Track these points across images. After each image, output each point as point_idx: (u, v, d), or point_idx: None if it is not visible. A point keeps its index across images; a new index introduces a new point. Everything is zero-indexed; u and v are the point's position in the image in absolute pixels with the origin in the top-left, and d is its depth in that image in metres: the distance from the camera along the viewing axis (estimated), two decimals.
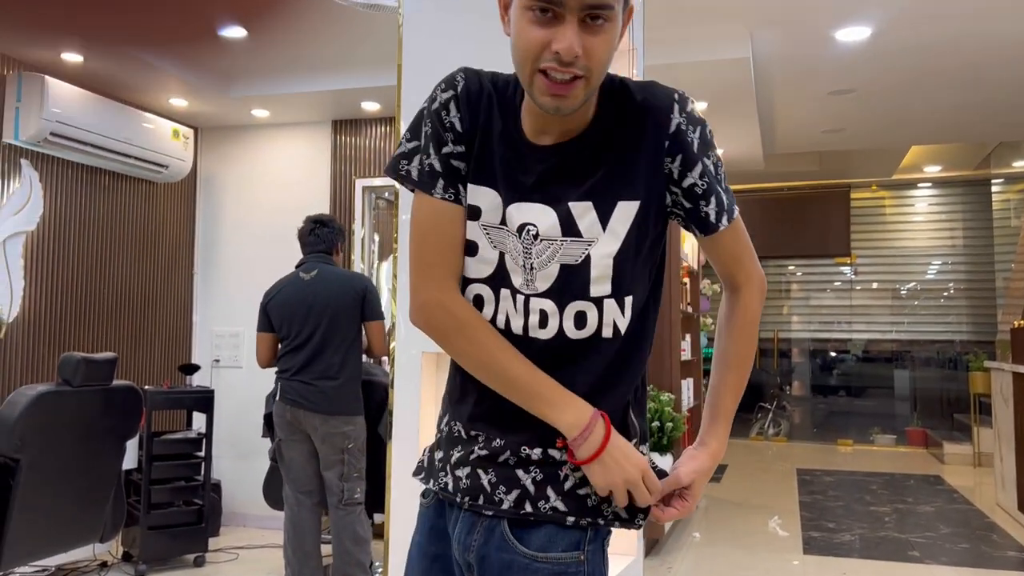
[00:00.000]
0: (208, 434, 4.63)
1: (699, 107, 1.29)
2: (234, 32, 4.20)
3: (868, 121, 6.31)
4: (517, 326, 1.19)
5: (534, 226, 1.17)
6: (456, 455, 1.23)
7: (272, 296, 3.79)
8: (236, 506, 5.43)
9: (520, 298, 1.18)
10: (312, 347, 3.67)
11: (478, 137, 1.21)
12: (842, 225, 9.76)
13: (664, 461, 4.27)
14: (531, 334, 1.18)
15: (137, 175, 5.10)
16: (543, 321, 1.18)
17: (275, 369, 3.79)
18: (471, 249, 1.22)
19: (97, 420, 3.58)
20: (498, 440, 1.19)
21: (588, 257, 1.16)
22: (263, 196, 5.63)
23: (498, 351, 1.17)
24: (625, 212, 1.16)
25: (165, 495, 4.47)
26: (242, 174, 5.70)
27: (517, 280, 1.19)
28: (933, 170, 9.40)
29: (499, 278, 1.20)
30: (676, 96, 1.18)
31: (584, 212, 1.16)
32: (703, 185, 1.19)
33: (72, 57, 4.39)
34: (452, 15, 2.18)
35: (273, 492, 4.26)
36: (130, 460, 4.26)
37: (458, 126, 1.21)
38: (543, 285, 1.17)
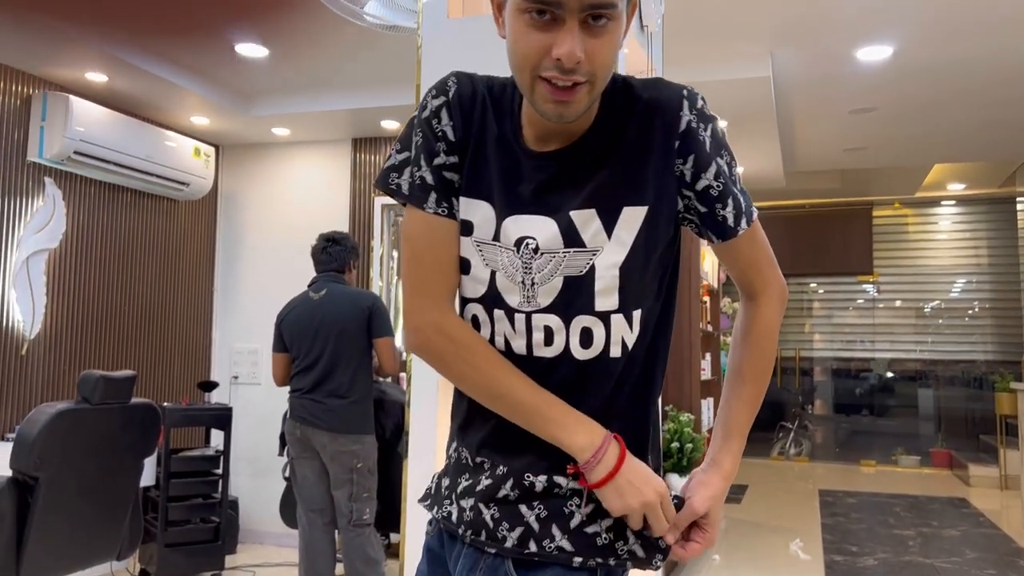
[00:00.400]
0: (226, 451, 4.64)
1: (719, 125, 1.22)
2: (255, 51, 4.25)
3: (890, 139, 6.25)
4: (519, 346, 1.12)
5: (533, 239, 1.09)
6: (463, 484, 1.17)
7: (284, 316, 3.80)
8: (253, 524, 5.42)
9: (519, 317, 1.11)
10: (322, 366, 3.66)
11: (471, 146, 1.13)
12: (864, 243, 9.67)
13: (682, 483, 4.22)
14: (536, 353, 1.11)
15: (159, 193, 5.15)
16: (548, 338, 1.10)
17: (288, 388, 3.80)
18: (464, 267, 1.15)
19: (116, 438, 3.60)
20: (502, 467, 1.12)
21: (592, 267, 1.08)
22: (283, 213, 5.66)
23: (502, 374, 1.09)
24: (631, 218, 1.08)
25: (182, 512, 4.47)
26: (262, 192, 5.74)
27: (513, 299, 1.11)
28: (957, 188, 9.29)
29: (491, 298, 1.13)
30: (685, 92, 1.10)
31: (587, 221, 1.08)
32: (718, 187, 1.10)
33: (96, 77, 4.44)
34: (469, 36, 2.18)
35: (290, 510, 4.26)
36: (148, 477, 4.27)
37: (450, 135, 1.13)
38: (545, 300, 1.09)
